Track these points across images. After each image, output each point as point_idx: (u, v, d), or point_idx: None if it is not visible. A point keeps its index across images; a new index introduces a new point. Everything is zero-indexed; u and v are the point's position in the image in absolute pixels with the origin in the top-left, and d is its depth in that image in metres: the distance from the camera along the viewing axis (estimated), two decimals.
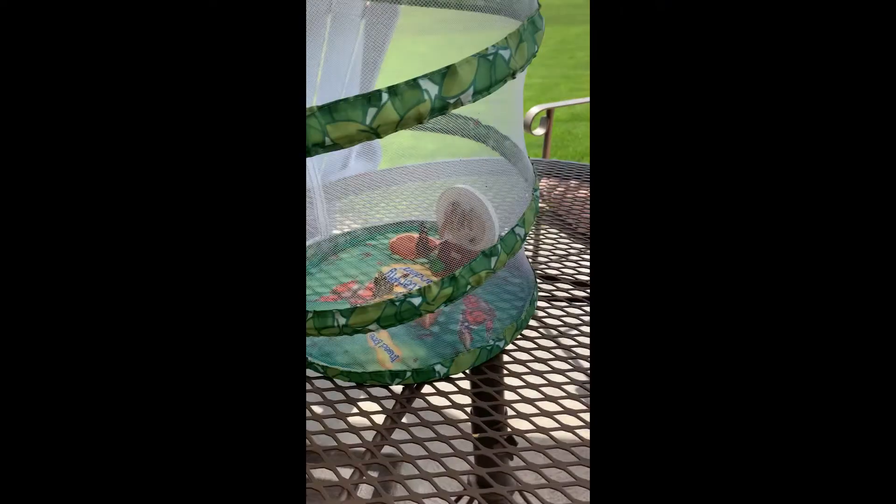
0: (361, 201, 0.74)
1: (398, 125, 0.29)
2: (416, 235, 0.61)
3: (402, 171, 0.83)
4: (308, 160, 0.56)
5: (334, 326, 0.37)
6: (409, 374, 0.40)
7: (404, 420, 0.37)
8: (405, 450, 0.35)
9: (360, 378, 0.41)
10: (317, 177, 0.55)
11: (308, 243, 0.59)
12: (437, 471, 0.33)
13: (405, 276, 0.54)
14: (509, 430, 0.36)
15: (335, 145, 0.29)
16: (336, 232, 0.62)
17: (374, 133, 0.29)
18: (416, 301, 0.36)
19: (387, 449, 0.35)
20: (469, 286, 0.37)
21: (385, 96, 0.28)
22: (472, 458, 0.34)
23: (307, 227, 0.60)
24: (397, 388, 0.41)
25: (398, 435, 0.36)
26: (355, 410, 0.38)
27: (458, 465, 0.33)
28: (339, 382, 0.41)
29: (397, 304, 0.36)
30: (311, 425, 0.38)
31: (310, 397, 0.40)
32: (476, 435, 0.35)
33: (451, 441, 0.35)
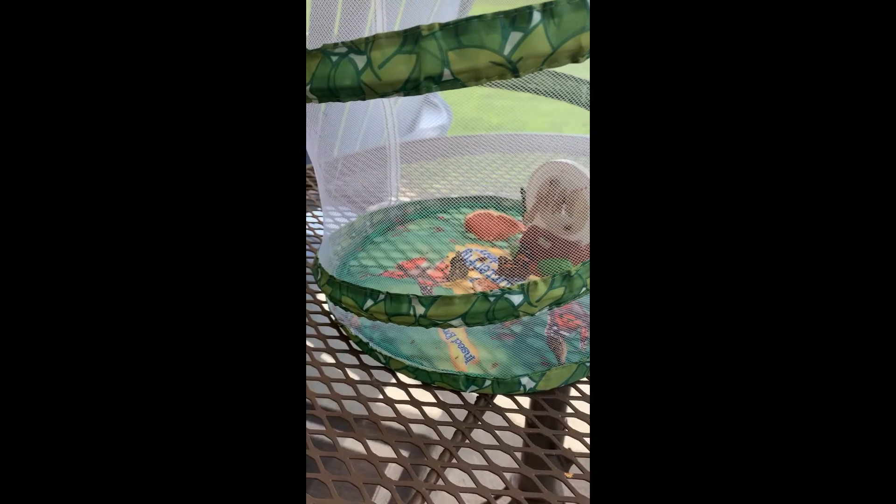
0: (432, 168, 0.66)
1: (546, 60, 0.21)
2: (495, 213, 0.53)
3: (479, 139, 0.74)
4: (387, 113, 0.48)
5: (410, 315, 0.30)
6: (489, 382, 0.32)
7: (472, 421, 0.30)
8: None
9: (427, 378, 0.34)
10: (395, 132, 0.47)
11: (374, 208, 0.52)
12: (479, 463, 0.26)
13: (482, 259, 0.47)
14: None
15: (454, 81, 0.21)
16: (405, 199, 0.54)
17: (512, 69, 0.21)
18: (517, 299, 0.28)
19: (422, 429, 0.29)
20: (585, 289, 0.29)
21: (536, 16, 0.20)
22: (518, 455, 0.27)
23: (375, 189, 0.53)
24: (470, 397, 0.33)
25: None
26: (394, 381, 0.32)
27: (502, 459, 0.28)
28: (402, 377, 0.34)
29: (491, 299, 0.29)
30: (343, 389, 0.34)
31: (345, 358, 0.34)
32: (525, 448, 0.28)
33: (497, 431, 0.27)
